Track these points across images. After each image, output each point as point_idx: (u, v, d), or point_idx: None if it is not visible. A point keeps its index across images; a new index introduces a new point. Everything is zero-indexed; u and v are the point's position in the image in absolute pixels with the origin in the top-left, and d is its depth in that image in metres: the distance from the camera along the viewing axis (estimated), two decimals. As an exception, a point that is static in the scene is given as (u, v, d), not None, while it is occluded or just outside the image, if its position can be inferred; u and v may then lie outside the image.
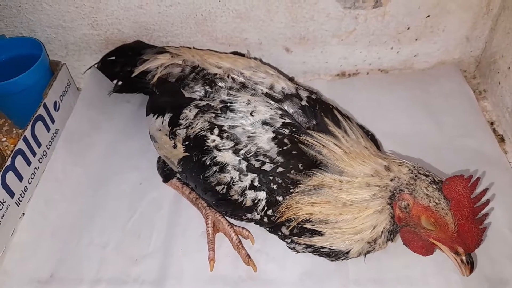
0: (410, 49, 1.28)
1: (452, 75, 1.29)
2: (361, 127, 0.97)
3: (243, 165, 0.85)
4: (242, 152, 0.85)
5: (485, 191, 0.76)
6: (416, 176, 0.79)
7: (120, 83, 1.21)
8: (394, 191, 0.79)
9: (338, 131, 0.88)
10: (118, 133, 1.24)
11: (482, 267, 0.90)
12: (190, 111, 0.93)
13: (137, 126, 1.24)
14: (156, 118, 0.99)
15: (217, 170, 0.87)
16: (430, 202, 0.76)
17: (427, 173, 0.79)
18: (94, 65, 1.26)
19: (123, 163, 1.17)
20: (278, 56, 1.28)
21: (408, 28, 1.22)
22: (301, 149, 0.84)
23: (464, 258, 0.75)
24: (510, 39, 1.13)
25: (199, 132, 0.90)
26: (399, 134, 1.15)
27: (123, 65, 1.20)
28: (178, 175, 1.03)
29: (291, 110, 0.91)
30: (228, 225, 0.97)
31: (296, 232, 0.86)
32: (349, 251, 0.84)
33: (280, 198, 0.84)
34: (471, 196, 0.74)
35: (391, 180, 0.80)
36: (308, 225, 0.83)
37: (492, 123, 1.19)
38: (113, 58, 1.25)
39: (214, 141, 0.88)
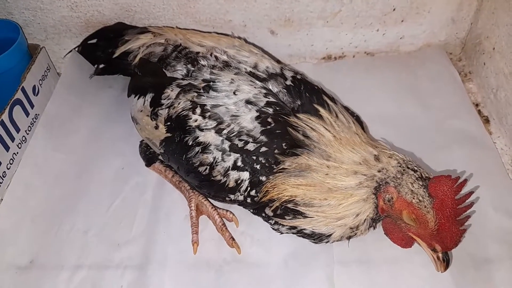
0: (396, 31, 1.27)
1: (438, 58, 1.29)
2: (346, 108, 0.96)
3: (226, 145, 0.83)
4: (225, 131, 0.84)
5: (470, 193, 0.75)
6: (404, 170, 0.78)
7: (101, 66, 1.18)
8: (381, 183, 0.79)
9: (328, 114, 0.87)
10: (100, 118, 1.22)
11: (466, 246, 0.89)
12: (172, 90, 0.91)
13: (120, 111, 1.21)
14: (138, 98, 0.96)
15: (200, 151, 0.85)
16: (413, 198, 0.75)
17: (415, 168, 0.78)
18: (74, 48, 1.22)
19: (106, 148, 1.15)
20: (263, 39, 1.26)
21: (394, 9, 1.21)
22: (285, 128, 0.83)
23: (440, 255, 0.76)
24: (495, 19, 1.12)
25: (181, 112, 0.88)
26: (385, 116, 1.15)
27: (105, 48, 1.17)
28: (160, 157, 1.01)
29: (275, 90, 0.89)
30: (212, 208, 0.96)
31: (280, 213, 0.85)
32: (331, 234, 0.83)
33: (263, 178, 0.82)
34: (456, 197, 0.73)
35: (379, 171, 0.79)
36: (291, 205, 0.81)
37: (477, 105, 1.19)
38: (94, 41, 1.22)
39: (196, 120, 0.86)
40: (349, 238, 0.85)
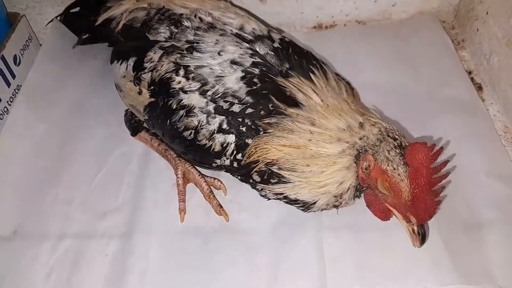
0: (388, -3, 1.24)
1: (430, 26, 1.26)
2: (336, 75, 0.93)
3: (211, 107, 0.81)
4: (209, 93, 0.81)
5: (445, 162, 0.73)
6: (383, 138, 0.75)
7: (85, 35, 1.14)
8: (360, 151, 0.76)
9: (318, 78, 0.84)
10: (84, 89, 1.19)
11: (458, 211, 0.89)
12: (154, 53, 0.87)
13: (104, 81, 1.18)
14: (121, 64, 0.93)
15: (184, 114, 0.82)
16: (388, 166, 0.73)
17: (396, 136, 0.76)
18: (56, 17, 1.18)
19: (90, 118, 1.12)
20: (251, 7, 1.22)
21: (386, -26, 1.18)
22: (272, 89, 0.80)
23: (415, 228, 0.74)
24: (489, -18, 1.10)
25: (164, 74, 0.85)
26: (377, 85, 1.13)
27: (87, 17, 1.13)
28: (145, 124, 0.98)
29: (262, 52, 0.86)
30: (199, 175, 0.94)
31: (265, 179, 0.83)
32: (316, 202, 0.81)
33: (249, 141, 0.80)
34: (431, 166, 0.71)
35: (360, 139, 0.77)
36: (275, 168, 0.79)
37: (470, 72, 1.17)
38: (77, 10, 1.17)
39: (179, 82, 0.83)
40: (335, 207, 0.83)
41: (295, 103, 0.80)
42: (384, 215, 0.81)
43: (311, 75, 0.84)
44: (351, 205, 0.85)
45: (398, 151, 0.73)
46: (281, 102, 0.79)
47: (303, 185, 0.80)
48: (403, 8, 1.27)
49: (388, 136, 0.76)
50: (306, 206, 0.84)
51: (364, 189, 0.81)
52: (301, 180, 0.79)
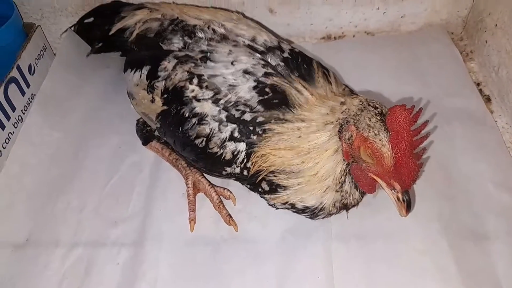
0: (396, 9, 1.25)
1: (439, 37, 1.27)
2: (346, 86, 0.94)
3: (223, 115, 0.82)
4: (222, 101, 0.82)
5: (425, 123, 0.73)
6: (364, 107, 0.75)
7: (98, 44, 1.16)
8: (343, 123, 0.76)
9: (323, 81, 0.86)
10: (97, 98, 1.20)
11: (465, 221, 0.89)
12: (168, 62, 0.89)
13: (117, 90, 1.19)
14: (134, 72, 0.95)
15: (196, 122, 0.83)
16: (369, 132, 0.72)
17: (377, 105, 0.75)
18: (70, 27, 1.21)
19: (103, 127, 1.14)
20: (261, 18, 1.24)
21: (395, -13, 1.20)
22: (282, 98, 0.81)
23: (400, 196, 0.73)
24: (498, -5, 1.11)
25: (177, 83, 0.86)
26: (386, 96, 1.13)
27: (101, 26, 1.15)
28: (157, 133, 0.99)
29: (274, 63, 0.88)
30: (209, 185, 0.95)
31: (274, 188, 0.83)
32: (323, 205, 0.82)
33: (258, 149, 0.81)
34: (411, 128, 0.71)
35: (342, 112, 0.77)
36: (272, 176, 0.81)
37: (478, 84, 1.18)
38: (91, 20, 1.20)
39: (193, 91, 0.84)
40: (344, 206, 0.83)
41: (287, 105, 0.81)
42: (371, 187, 0.80)
43: (320, 80, 0.86)
44: (359, 201, 0.85)
45: (379, 118, 0.73)
46: (277, 107, 0.81)
47: (304, 187, 0.80)
48: (411, 20, 1.28)
49: (369, 105, 0.75)
50: (315, 213, 0.84)
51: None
52: (300, 181, 0.80)
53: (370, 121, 0.73)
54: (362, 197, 0.85)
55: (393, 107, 0.71)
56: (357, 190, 0.82)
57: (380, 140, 0.71)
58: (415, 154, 0.72)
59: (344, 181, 0.80)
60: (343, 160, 0.78)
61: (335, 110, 0.78)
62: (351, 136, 0.75)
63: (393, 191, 0.74)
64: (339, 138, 0.77)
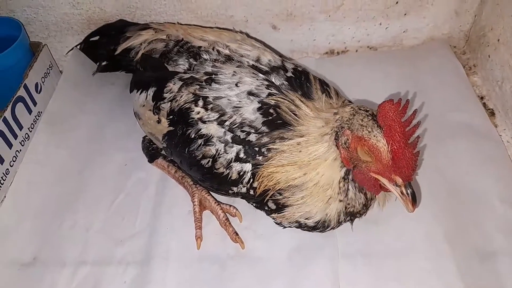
0: (399, 24, 1.26)
1: (442, 52, 1.28)
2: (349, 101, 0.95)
3: (228, 136, 0.83)
4: (227, 123, 0.83)
5: (414, 112, 0.75)
6: (356, 112, 0.77)
7: (104, 63, 1.18)
8: (337, 130, 0.78)
9: (320, 95, 0.87)
10: (103, 115, 1.22)
11: (472, 238, 0.89)
12: (174, 84, 0.90)
13: (122, 108, 1.21)
14: (140, 93, 0.96)
15: (202, 143, 0.84)
16: (363, 131, 0.74)
17: (367, 109, 0.78)
18: (76, 46, 1.22)
19: (108, 145, 1.15)
20: (265, 34, 1.25)
21: (397, 3, 1.20)
22: (285, 118, 0.83)
23: (403, 189, 0.74)
24: (500, 10, 1.11)
25: (183, 104, 0.87)
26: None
27: (107, 45, 1.17)
28: (163, 152, 1.00)
29: (278, 82, 0.89)
30: (215, 203, 0.95)
31: (280, 207, 0.84)
32: (328, 216, 0.82)
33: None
34: (402, 120, 0.72)
35: (336, 121, 0.79)
36: (278, 196, 0.82)
37: (482, 98, 1.18)
38: (96, 38, 1.21)
39: (198, 113, 0.85)
40: (349, 215, 0.84)
41: (289, 123, 0.82)
42: (376, 188, 0.81)
43: (319, 95, 0.87)
44: (366, 206, 0.85)
45: (370, 118, 0.75)
46: (281, 127, 0.82)
47: (307, 199, 0.81)
48: (414, 35, 1.29)
49: (360, 109, 0.78)
50: (321, 226, 0.85)
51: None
52: (304, 196, 0.81)
53: (362, 122, 0.75)
54: (368, 202, 0.85)
55: (382, 103, 0.74)
56: (362, 193, 0.83)
57: (374, 136, 0.73)
58: (410, 144, 0.73)
59: (348, 188, 0.81)
60: (343, 167, 0.80)
61: (329, 121, 0.80)
62: (347, 139, 0.77)
63: (396, 186, 0.75)
64: (336, 146, 0.79)
